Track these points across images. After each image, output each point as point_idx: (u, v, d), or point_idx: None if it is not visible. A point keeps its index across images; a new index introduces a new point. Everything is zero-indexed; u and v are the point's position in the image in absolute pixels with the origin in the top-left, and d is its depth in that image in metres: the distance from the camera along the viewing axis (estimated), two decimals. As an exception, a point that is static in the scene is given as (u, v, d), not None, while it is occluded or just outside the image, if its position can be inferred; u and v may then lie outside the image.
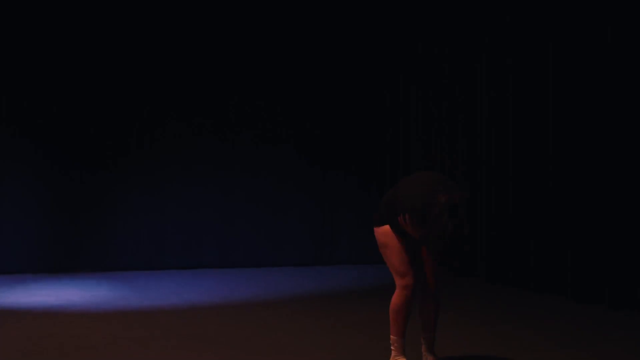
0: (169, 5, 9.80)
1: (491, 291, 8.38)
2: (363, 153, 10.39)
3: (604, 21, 7.40)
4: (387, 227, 4.94)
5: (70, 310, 7.12)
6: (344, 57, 10.32)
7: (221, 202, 9.99)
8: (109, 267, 9.53)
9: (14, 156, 9.30)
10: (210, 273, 9.53)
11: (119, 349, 5.67)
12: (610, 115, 7.36)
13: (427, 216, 4.75)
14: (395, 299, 4.89)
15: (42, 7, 9.33)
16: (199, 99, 9.94)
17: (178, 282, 8.78)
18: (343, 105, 10.32)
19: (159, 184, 9.78)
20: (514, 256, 8.43)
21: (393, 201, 4.92)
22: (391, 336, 4.92)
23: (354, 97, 10.27)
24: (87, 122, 9.52)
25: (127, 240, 9.66)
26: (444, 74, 9.53)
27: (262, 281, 8.98)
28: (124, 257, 9.63)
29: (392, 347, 4.91)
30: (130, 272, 9.48)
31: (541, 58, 8.11)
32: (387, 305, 4.97)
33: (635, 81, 7.19)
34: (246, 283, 8.85)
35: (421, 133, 9.94)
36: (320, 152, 10.35)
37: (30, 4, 9.29)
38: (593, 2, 7.55)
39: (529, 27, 8.28)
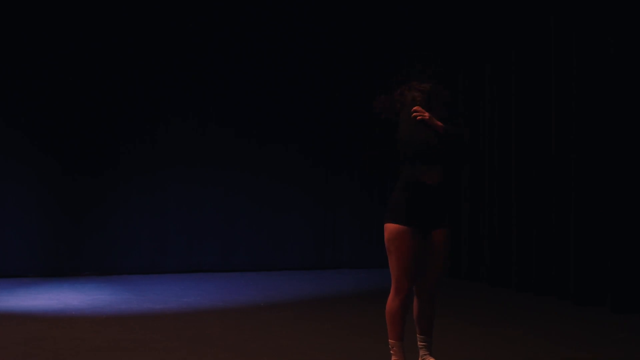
0: (170, 3, 9.81)
1: (493, 294, 8.38)
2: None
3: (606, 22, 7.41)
4: (395, 230, 4.73)
5: (71, 313, 7.10)
6: (348, 59, 10.33)
7: (223, 204, 9.98)
8: (110, 270, 9.52)
9: (15, 158, 9.29)
10: (211, 276, 9.51)
11: (120, 351, 5.65)
12: (615, 116, 7.35)
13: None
14: (391, 303, 4.78)
15: (47, 13, 9.33)
16: (201, 99, 9.93)
17: (179, 285, 8.76)
18: (347, 107, 10.31)
19: (160, 185, 9.77)
20: (516, 259, 8.42)
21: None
22: (390, 340, 4.82)
23: (358, 100, 10.26)
24: (88, 123, 9.51)
25: (128, 243, 9.64)
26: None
27: (264, 284, 8.96)
28: (125, 260, 9.61)
29: (391, 351, 4.83)
30: (131, 275, 9.45)
31: (542, 57, 8.11)
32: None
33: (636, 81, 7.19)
34: (247, 286, 8.83)
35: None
36: (323, 154, 10.35)
37: (35, 12, 9.30)
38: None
39: (529, 25, 8.28)
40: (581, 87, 7.62)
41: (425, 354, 4.94)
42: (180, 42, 9.81)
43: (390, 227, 4.77)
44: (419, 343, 4.95)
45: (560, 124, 7.87)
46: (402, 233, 4.74)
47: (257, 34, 10.07)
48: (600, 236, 7.44)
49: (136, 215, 9.69)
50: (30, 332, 6.27)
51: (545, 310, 7.38)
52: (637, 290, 7.14)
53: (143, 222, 9.72)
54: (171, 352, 5.65)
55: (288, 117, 10.22)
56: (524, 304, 7.72)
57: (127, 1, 9.63)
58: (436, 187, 4.78)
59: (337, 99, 10.35)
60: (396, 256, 4.74)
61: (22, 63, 9.27)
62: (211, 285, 8.82)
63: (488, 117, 8.90)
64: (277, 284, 8.99)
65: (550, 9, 8.03)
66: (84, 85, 9.48)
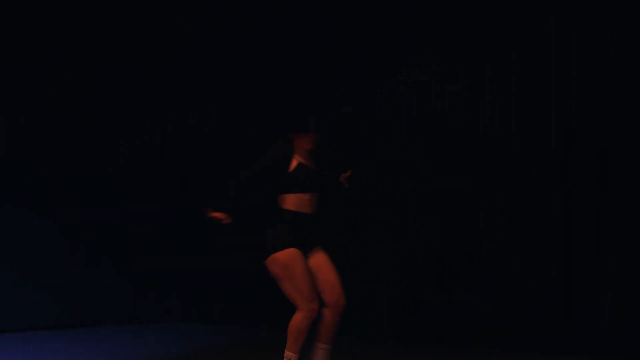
0: (170, 3, 9.80)
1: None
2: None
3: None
4: (288, 252, 5.16)
5: None
6: (348, 59, 10.31)
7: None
8: None
9: None
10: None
11: None
12: (615, 116, 7.35)
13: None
14: (300, 320, 5.12)
15: (47, 13, 9.33)
16: (201, 99, 9.90)
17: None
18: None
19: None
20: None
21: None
22: (288, 352, 5.17)
23: (358, 100, 10.25)
24: (88, 123, 9.49)
25: None
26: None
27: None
28: None
29: None
30: None
31: (542, 57, 8.11)
32: None
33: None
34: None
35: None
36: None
37: (35, 12, 9.30)
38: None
39: (529, 25, 8.28)
40: (581, 87, 7.62)
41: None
42: (180, 42, 9.82)
43: (279, 255, 5.18)
44: (320, 351, 5.34)
45: (560, 124, 7.87)
46: (292, 255, 5.16)
47: (257, 34, 10.06)
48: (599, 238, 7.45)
49: None
50: None
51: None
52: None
53: None
54: None
55: (288, 118, 10.19)
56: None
57: (127, 1, 9.64)
58: (314, 216, 5.34)
59: (337, 99, 10.33)
60: (297, 274, 5.14)
61: (22, 63, 9.27)
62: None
63: (488, 117, 8.90)
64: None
65: (550, 9, 8.04)
66: (84, 85, 9.48)
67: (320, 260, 5.33)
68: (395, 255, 8.96)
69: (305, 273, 5.15)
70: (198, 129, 10.04)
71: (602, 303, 7.39)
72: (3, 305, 8.93)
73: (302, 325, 5.12)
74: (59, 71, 9.37)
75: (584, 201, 7.62)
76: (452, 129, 8.77)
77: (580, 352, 7.45)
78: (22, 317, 9.06)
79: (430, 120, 8.94)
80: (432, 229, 8.73)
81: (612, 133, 7.37)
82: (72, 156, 9.45)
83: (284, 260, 5.15)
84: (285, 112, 10.16)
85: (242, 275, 9.78)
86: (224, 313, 10.06)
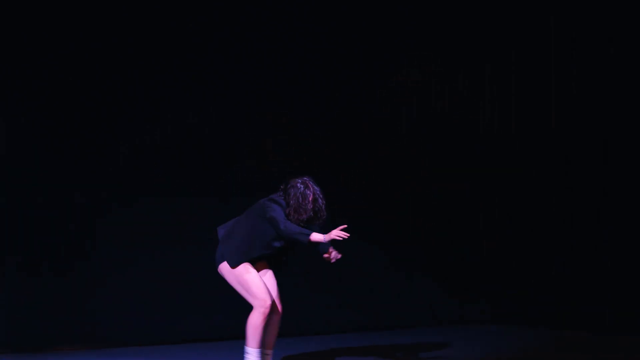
0: (170, 3, 9.81)
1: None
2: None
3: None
4: (244, 264, 5.93)
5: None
6: (348, 59, 10.31)
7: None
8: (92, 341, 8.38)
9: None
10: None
11: None
12: (615, 116, 7.36)
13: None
14: (256, 318, 5.87)
15: (47, 13, 9.34)
16: (201, 99, 9.94)
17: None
18: (347, 107, 10.31)
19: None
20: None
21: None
22: (251, 348, 5.86)
23: (358, 100, 10.26)
24: (88, 123, 9.50)
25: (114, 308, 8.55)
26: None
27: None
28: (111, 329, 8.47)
29: (251, 356, 5.87)
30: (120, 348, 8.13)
31: (542, 57, 8.12)
32: None
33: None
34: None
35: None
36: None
37: (35, 12, 9.31)
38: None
39: (529, 25, 8.28)
40: (581, 87, 7.63)
41: None
42: (180, 42, 9.81)
43: (240, 265, 5.95)
44: (265, 357, 6.04)
45: (560, 124, 7.88)
46: (248, 264, 5.97)
47: (257, 34, 10.06)
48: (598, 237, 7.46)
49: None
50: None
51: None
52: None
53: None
54: None
55: (288, 118, 10.21)
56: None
57: (127, 1, 9.64)
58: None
59: (337, 99, 10.34)
60: (251, 280, 5.91)
61: (22, 63, 9.26)
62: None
63: (488, 117, 8.92)
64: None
65: (550, 9, 8.04)
66: (84, 85, 9.47)
67: (264, 272, 6.07)
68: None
69: (257, 279, 5.92)
70: (198, 129, 10.03)
71: (602, 303, 7.39)
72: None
73: (257, 321, 5.86)
74: (59, 71, 9.36)
75: (584, 201, 7.63)
76: (452, 129, 8.78)
77: (580, 352, 7.46)
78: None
79: (430, 120, 8.95)
80: (432, 229, 8.73)
81: (612, 133, 7.37)
82: (72, 156, 9.44)
83: (237, 270, 5.91)
84: (285, 112, 10.18)
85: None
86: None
